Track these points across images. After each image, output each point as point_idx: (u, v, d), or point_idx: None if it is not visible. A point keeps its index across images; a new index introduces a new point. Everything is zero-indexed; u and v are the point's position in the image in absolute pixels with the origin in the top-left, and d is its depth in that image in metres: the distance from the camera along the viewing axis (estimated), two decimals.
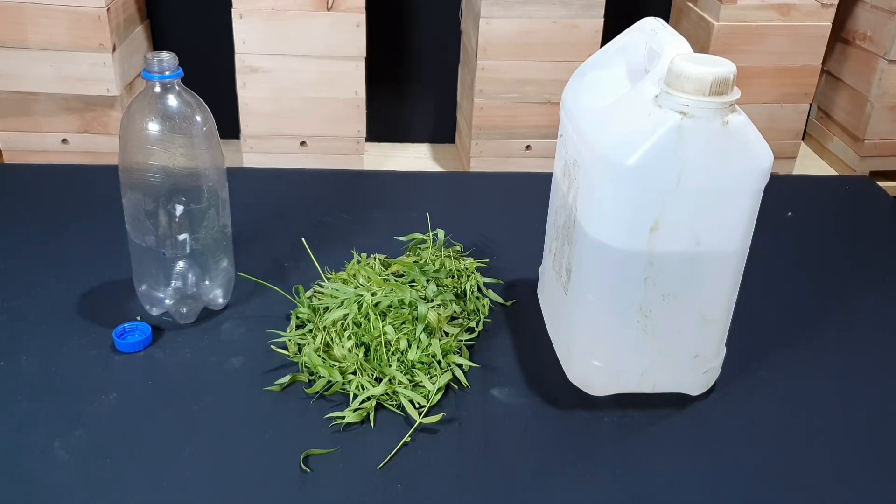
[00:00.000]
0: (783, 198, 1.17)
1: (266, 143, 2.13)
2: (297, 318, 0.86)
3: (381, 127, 2.40)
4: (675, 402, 0.79)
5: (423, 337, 0.80)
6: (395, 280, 0.88)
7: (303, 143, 2.15)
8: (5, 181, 1.17)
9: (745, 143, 0.68)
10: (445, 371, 0.79)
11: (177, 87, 0.78)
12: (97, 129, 2.05)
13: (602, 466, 0.72)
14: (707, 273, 0.73)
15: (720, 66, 0.66)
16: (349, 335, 0.81)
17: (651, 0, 2.35)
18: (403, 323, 0.82)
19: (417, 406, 0.75)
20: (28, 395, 0.76)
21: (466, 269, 0.94)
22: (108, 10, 1.90)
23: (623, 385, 0.78)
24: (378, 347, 0.79)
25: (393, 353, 0.79)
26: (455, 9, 2.30)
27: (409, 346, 0.80)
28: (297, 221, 1.06)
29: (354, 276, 0.89)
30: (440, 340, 0.81)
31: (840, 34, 2.32)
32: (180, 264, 0.83)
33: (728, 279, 0.74)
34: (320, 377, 0.77)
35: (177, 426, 0.73)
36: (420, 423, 0.74)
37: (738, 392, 0.81)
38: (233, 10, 1.96)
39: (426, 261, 0.93)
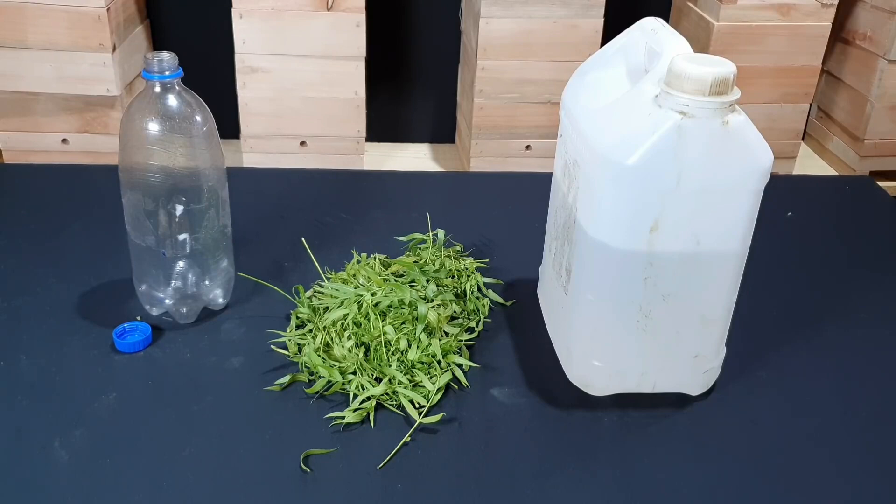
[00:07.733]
0: (783, 198, 1.17)
1: (266, 143, 2.13)
2: (297, 318, 0.86)
3: (381, 127, 2.40)
4: (675, 402, 0.79)
5: (423, 337, 0.80)
6: (395, 280, 0.88)
7: (303, 143, 2.15)
8: (5, 181, 1.17)
9: (745, 143, 0.68)
10: (445, 371, 0.79)
11: (177, 87, 0.78)
12: (97, 129, 2.05)
13: (602, 466, 0.72)
14: (707, 273, 0.73)
15: (720, 66, 0.66)
16: (349, 335, 0.81)
17: (651, 0, 2.35)
18: (403, 323, 0.82)
19: (417, 406, 0.75)
20: (28, 395, 0.76)
21: (466, 269, 0.94)
22: (108, 10, 1.90)
23: (623, 385, 0.78)
24: (378, 347, 0.79)
25: (393, 353, 0.79)
26: (455, 9, 2.30)
27: (409, 346, 0.80)
28: (297, 221, 1.06)
29: (354, 276, 0.89)
30: (440, 340, 0.81)
31: (840, 34, 2.32)
32: (180, 264, 0.83)
33: (728, 279, 0.74)
34: (320, 377, 0.77)
35: (177, 426, 0.73)
36: (420, 422, 0.74)
37: (738, 392, 0.81)
38: (233, 10, 1.96)
39: (426, 261, 0.93)
